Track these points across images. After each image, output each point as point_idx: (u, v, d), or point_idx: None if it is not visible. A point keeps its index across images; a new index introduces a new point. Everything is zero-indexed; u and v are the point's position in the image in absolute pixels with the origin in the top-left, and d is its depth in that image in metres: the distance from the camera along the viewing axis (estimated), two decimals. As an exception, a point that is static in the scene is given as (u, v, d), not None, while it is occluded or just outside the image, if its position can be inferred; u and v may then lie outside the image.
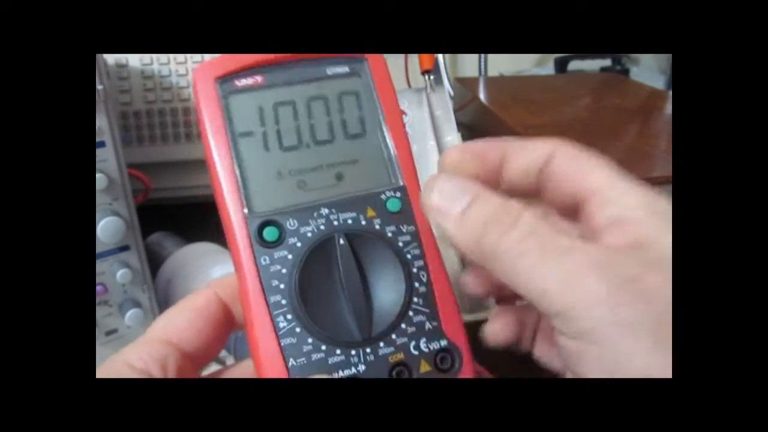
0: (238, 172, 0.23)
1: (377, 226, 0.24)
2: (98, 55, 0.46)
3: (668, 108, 0.73)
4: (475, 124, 0.78)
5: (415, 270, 0.24)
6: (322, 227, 0.23)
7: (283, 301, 0.22)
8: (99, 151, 0.43)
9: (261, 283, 0.22)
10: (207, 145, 0.24)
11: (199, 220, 0.62)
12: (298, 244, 0.23)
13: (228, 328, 0.24)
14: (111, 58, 0.62)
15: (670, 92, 0.84)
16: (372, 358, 0.23)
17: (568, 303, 0.19)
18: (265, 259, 0.23)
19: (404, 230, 0.24)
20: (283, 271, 0.23)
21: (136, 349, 0.23)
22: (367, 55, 0.26)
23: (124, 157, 0.45)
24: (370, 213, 0.24)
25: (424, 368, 0.23)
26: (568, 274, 0.19)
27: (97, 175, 0.42)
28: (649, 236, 0.21)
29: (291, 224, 0.23)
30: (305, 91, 0.25)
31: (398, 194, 0.24)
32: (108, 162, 0.44)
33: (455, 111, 0.65)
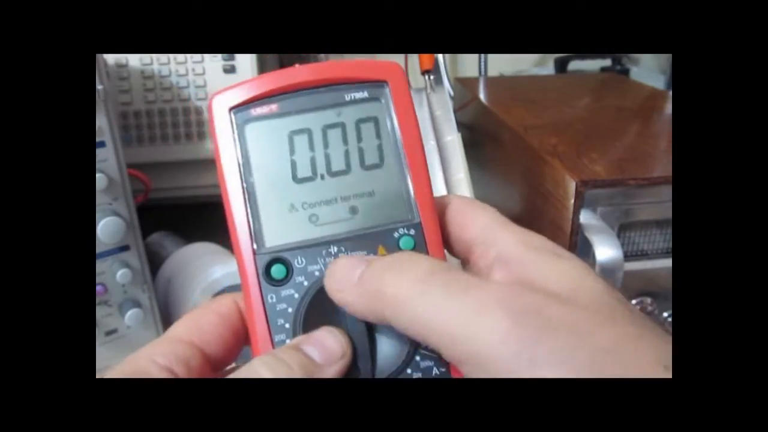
0: (248, 206, 0.23)
1: None
2: (98, 55, 0.46)
3: (668, 108, 0.73)
4: (475, 124, 0.78)
5: None
6: None
7: (288, 341, 0.22)
8: (99, 151, 0.43)
9: (267, 321, 0.22)
10: (220, 178, 0.23)
11: (199, 220, 0.62)
12: (305, 283, 0.22)
13: (244, 340, 0.24)
14: (111, 58, 0.63)
15: (670, 92, 0.84)
16: None
17: (473, 350, 0.18)
18: (272, 297, 0.22)
19: None
20: (289, 310, 0.22)
21: (161, 346, 0.22)
22: (388, 78, 0.24)
23: (124, 157, 0.45)
24: (381, 251, 0.23)
25: None
26: (471, 311, 0.19)
27: (97, 175, 0.42)
28: (530, 271, 0.21)
29: (299, 262, 0.23)
30: (322, 118, 0.24)
31: (412, 232, 0.23)
32: (108, 162, 0.44)
33: (455, 111, 0.65)
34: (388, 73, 0.24)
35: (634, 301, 0.50)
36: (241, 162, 0.23)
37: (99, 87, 0.42)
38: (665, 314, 0.51)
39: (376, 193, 0.24)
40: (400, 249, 0.23)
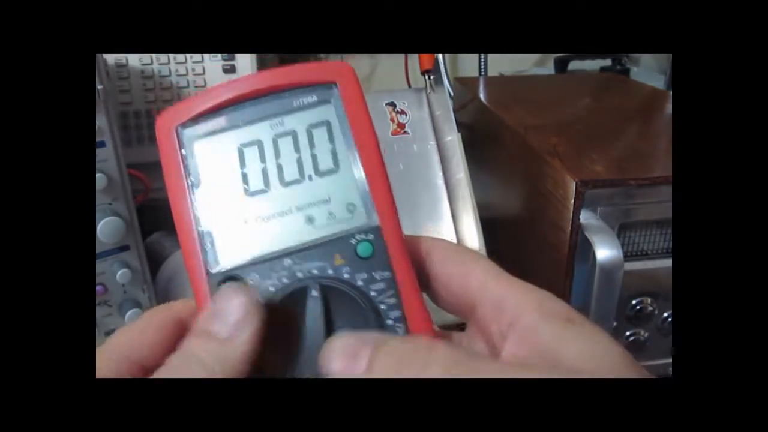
0: (199, 226, 0.22)
1: (346, 275, 0.22)
2: (98, 55, 0.46)
3: (668, 108, 0.73)
4: (475, 124, 0.78)
5: (390, 322, 0.22)
6: (285, 279, 0.22)
7: None
8: (99, 151, 0.43)
9: None
10: (170, 199, 0.22)
11: (199, 220, 0.62)
12: (260, 300, 0.21)
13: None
14: (111, 58, 0.63)
15: (670, 92, 0.84)
16: None
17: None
18: None
19: (377, 277, 0.22)
20: None
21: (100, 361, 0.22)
22: (336, 79, 0.23)
23: (124, 157, 0.45)
24: (339, 261, 0.22)
25: None
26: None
27: (97, 175, 0.42)
28: (549, 343, 0.20)
29: (253, 279, 0.22)
30: (271, 127, 0.23)
31: (371, 236, 0.22)
32: (108, 162, 0.44)
33: (455, 111, 0.65)
34: (336, 74, 0.23)
35: (634, 301, 0.50)
36: (190, 182, 0.22)
37: (99, 87, 0.42)
38: (665, 314, 0.51)
39: (332, 200, 0.23)
40: (357, 256, 0.22)
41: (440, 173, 0.63)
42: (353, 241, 0.22)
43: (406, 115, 0.65)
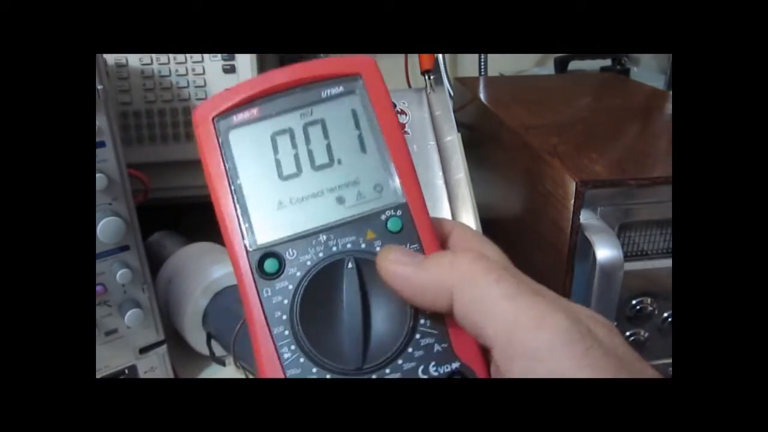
0: (238, 207, 0.24)
1: (378, 248, 0.24)
2: (98, 55, 0.46)
3: (668, 108, 0.73)
4: (475, 124, 0.78)
5: None
6: (321, 254, 0.23)
7: (286, 332, 0.23)
8: (99, 151, 0.43)
9: (265, 315, 0.23)
10: (209, 185, 0.24)
11: (199, 220, 0.62)
12: (298, 274, 0.23)
13: None
14: (111, 58, 0.62)
15: (670, 92, 0.84)
16: None
17: (536, 344, 0.19)
18: (267, 291, 0.23)
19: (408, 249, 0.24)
20: (285, 301, 0.23)
21: None
22: (361, 71, 0.25)
23: (124, 157, 0.45)
24: (370, 235, 0.24)
25: None
26: (545, 307, 0.19)
27: (97, 175, 0.42)
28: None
29: (290, 254, 0.23)
30: (301, 116, 0.25)
31: (399, 212, 0.24)
32: (108, 162, 0.44)
33: (455, 111, 0.65)
34: (360, 67, 0.26)
35: (634, 301, 0.50)
36: (227, 167, 0.24)
37: (99, 87, 0.42)
38: (665, 314, 0.51)
39: (361, 181, 0.25)
40: (388, 230, 0.24)
41: (440, 173, 0.62)
42: (383, 218, 0.24)
43: (406, 115, 0.65)
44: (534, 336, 0.19)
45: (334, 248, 0.24)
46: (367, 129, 0.25)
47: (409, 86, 0.74)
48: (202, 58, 0.65)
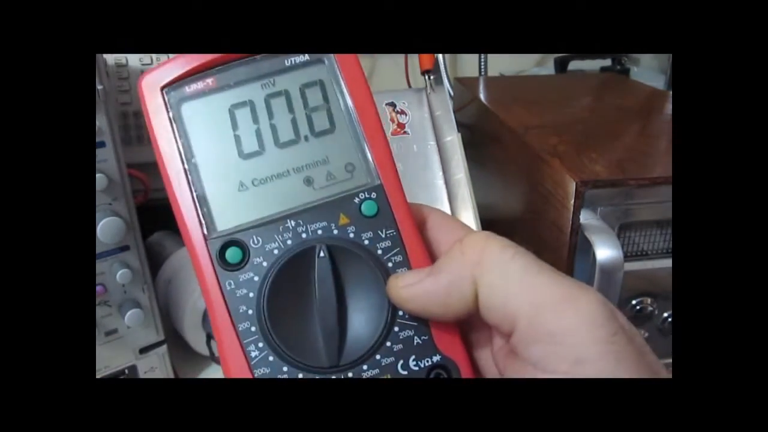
0: (194, 189, 0.21)
1: (351, 235, 0.21)
2: (98, 55, 0.46)
3: (668, 108, 0.73)
4: (475, 124, 0.78)
5: None
6: (289, 242, 0.21)
7: (253, 328, 0.21)
8: (99, 151, 0.43)
9: (228, 310, 0.21)
10: (160, 165, 0.22)
11: (199, 220, 0.62)
12: (264, 264, 0.21)
13: None
14: (111, 58, 0.62)
15: (670, 92, 0.83)
16: None
17: (560, 326, 0.18)
18: (230, 284, 0.21)
19: (383, 235, 0.22)
20: (250, 294, 0.21)
21: None
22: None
23: (124, 157, 0.45)
24: (343, 220, 0.22)
25: None
26: (568, 287, 0.19)
27: (97, 175, 0.42)
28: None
29: (255, 242, 0.21)
30: (263, 88, 0.22)
31: (374, 195, 0.22)
32: (108, 162, 0.44)
33: (455, 111, 0.65)
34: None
35: (634, 301, 0.50)
36: (180, 144, 0.22)
37: (99, 87, 0.42)
38: (665, 314, 0.51)
39: (331, 160, 0.22)
40: (362, 215, 0.22)
41: (440, 173, 0.62)
42: (356, 201, 0.22)
43: (406, 115, 0.65)
44: (559, 316, 0.18)
45: (304, 235, 0.21)
46: (336, 102, 0.23)
47: (409, 86, 0.74)
48: (202, 58, 0.65)
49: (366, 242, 0.22)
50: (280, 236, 0.21)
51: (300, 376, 0.20)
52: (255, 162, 0.22)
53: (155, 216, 0.60)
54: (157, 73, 0.22)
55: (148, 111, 0.22)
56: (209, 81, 0.22)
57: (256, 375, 0.20)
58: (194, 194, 0.21)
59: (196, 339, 0.54)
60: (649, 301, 0.50)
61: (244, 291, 0.21)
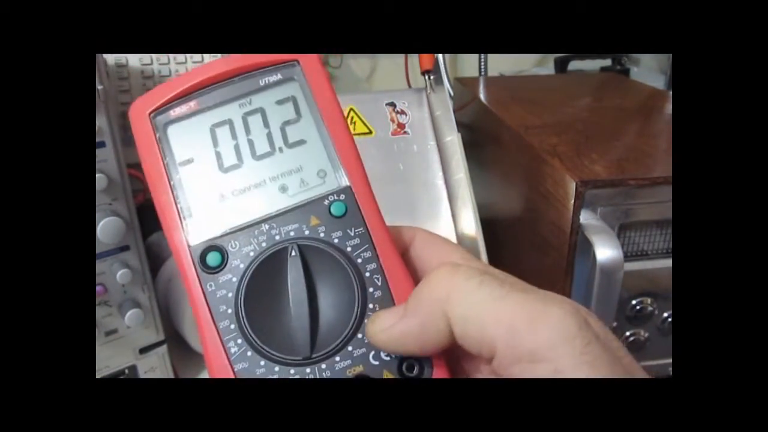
0: (179, 203, 0.23)
1: (322, 234, 0.23)
2: (98, 55, 0.46)
3: (668, 108, 0.73)
4: (475, 124, 0.78)
5: (368, 275, 0.23)
6: (264, 244, 0.23)
7: (232, 326, 0.22)
8: (99, 151, 0.43)
9: (210, 310, 0.22)
10: (148, 181, 0.24)
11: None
12: (241, 266, 0.23)
13: None
14: (111, 58, 0.62)
15: (670, 92, 0.84)
16: (329, 374, 0.22)
17: (534, 345, 0.18)
18: (210, 285, 0.22)
19: (352, 233, 0.23)
20: (229, 295, 0.22)
21: None
22: (298, 57, 0.25)
23: (124, 157, 0.45)
24: (314, 221, 0.23)
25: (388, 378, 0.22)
26: (540, 304, 0.19)
27: (97, 175, 0.42)
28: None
29: (233, 246, 0.23)
30: (240, 107, 0.25)
31: (342, 196, 0.24)
32: (108, 162, 0.44)
33: (455, 111, 0.65)
34: (298, 54, 0.25)
35: (634, 301, 0.50)
36: (166, 163, 0.24)
37: (99, 87, 0.42)
38: (665, 314, 0.51)
39: (304, 168, 0.24)
40: (332, 215, 0.23)
41: (440, 173, 0.63)
42: (326, 203, 0.24)
43: (406, 115, 0.65)
44: (534, 335, 0.18)
45: (277, 237, 0.23)
46: (308, 115, 0.25)
47: (409, 86, 0.74)
48: (202, 58, 0.65)
49: (336, 240, 0.23)
50: (255, 239, 0.23)
51: (276, 369, 0.22)
52: (234, 174, 0.24)
53: (155, 216, 0.60)
54: (144, 100, 0.24)
55: (137, 135, 0.24)
56: (192, 104, 0.25)
57: (236, 370, 0.22)
58: (179, 207, 0.23)
59: (196, 339, 0.54)
60: (649, 301, 0.50)
61: (224, 292, 0.23)
